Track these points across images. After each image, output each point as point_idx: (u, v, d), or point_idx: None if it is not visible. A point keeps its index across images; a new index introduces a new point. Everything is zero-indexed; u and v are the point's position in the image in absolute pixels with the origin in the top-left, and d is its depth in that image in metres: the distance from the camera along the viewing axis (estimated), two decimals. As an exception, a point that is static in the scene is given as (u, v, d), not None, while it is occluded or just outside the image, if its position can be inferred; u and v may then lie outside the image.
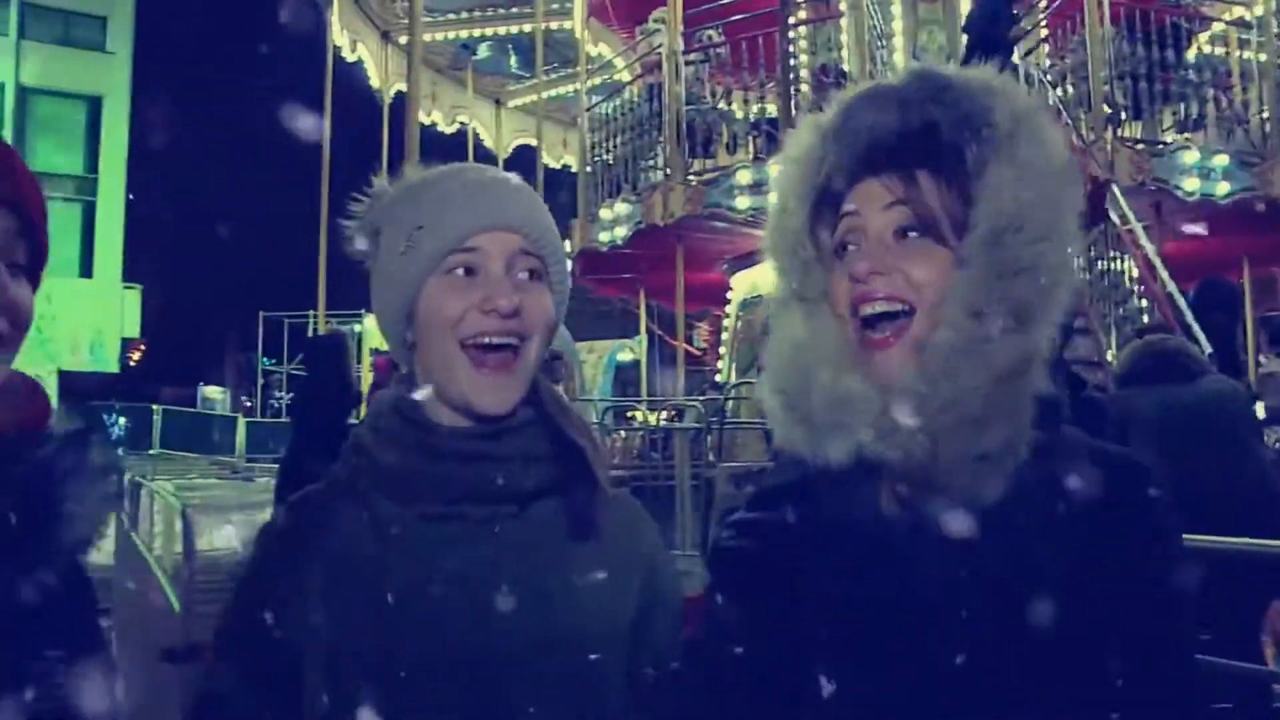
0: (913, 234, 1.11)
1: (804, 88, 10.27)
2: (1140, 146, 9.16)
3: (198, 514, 3.92)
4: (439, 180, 1.34)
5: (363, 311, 26.64)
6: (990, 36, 7.52)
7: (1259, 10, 10.85)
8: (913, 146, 1.13)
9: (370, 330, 25.36)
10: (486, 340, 1.26)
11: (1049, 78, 9.88)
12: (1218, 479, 3.89)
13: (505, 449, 1.29)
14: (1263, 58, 10.29)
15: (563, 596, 1.28)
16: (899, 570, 1.08)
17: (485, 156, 14.89)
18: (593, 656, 1.28)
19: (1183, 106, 9.77)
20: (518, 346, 1.28)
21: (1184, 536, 1.20)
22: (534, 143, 15.77)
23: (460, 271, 1.28)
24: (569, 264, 1.38)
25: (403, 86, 13.18)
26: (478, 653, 1.22)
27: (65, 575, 1.13)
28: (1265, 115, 10.01)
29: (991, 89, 1.13)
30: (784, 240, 1.21)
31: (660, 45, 10.65)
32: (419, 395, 1.31)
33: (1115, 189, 7.89)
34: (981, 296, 1.06)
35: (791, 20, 10.48)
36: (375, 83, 12.94)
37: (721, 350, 12.76)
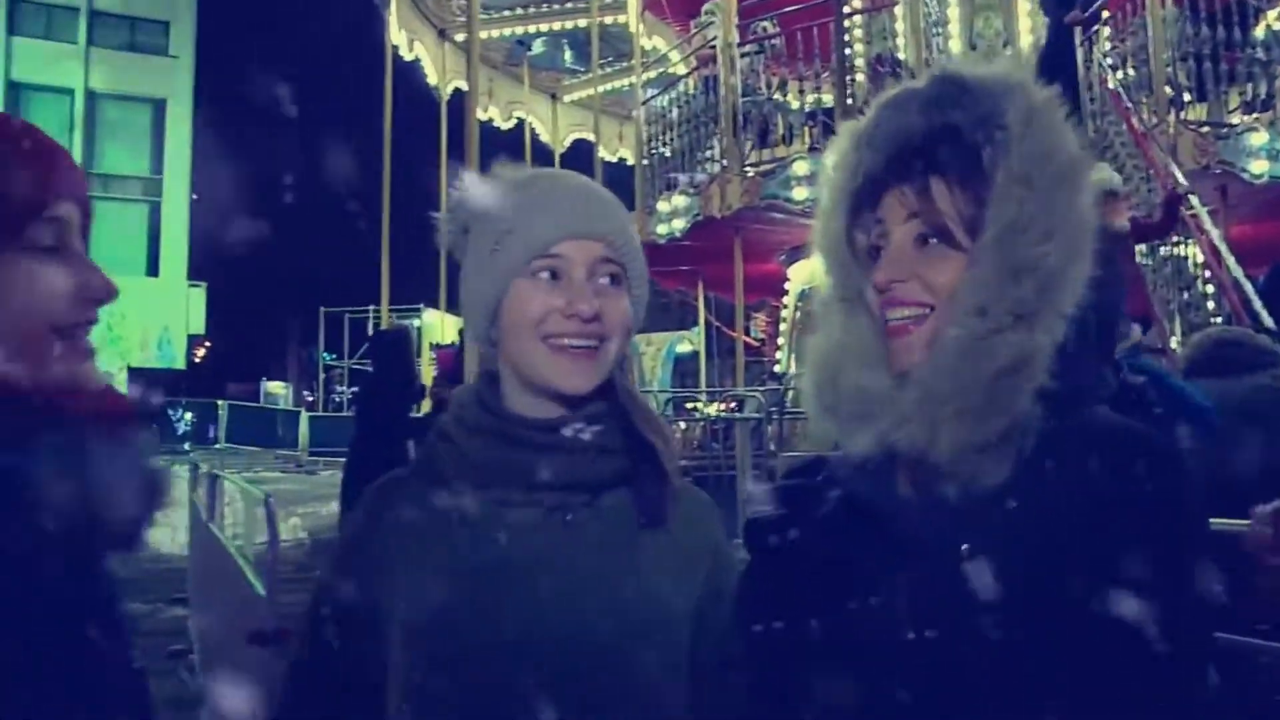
0: (931, 240, 1.15)
1: (859, 77, 10.21)
2: (1205, 129, 8.97)
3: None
4: (529, 186, 1.40)
5: (421, 306, 26.94)
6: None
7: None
8: (933, 152, 1.16)
9: (429, 324, 25.65)
10: (567, 343, 1.34)
11: (1109, 61, 9.75)
12: (1268, 473, 3.85)
13: (581, 440, 1.36)
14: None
15: (629, 583, 1.34)
16: (912, 549, 1.12)
17: (541, 151, 15.00)
18: (655, 641, 1.34)
19: (1250, 87, 9.55)
20: (597, 347, 1.35)
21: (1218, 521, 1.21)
22: (589, 137, 15.87)
23: (545, 275, 1.34)
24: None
25: (459, 84, 13.33)
26: (547, 633, 1.28)
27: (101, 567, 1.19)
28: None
29: (1007, 88, 1.15)
30: (827, 243, 1.27)
31: (715, 38, 10.66)
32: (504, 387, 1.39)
33: (1194, 199, 7.70)
34: (986, 295, 1.10)
35: (846, 9, 10.44)
36: (432, 80, 13.09)
37: (780, 340, 12.75)
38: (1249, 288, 6.86)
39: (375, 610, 1.36)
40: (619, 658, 1.31)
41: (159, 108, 32.53)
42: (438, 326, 24.52)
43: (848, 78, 10.06)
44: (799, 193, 9.71)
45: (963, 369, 1.09)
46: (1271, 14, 10.05)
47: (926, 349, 1.13)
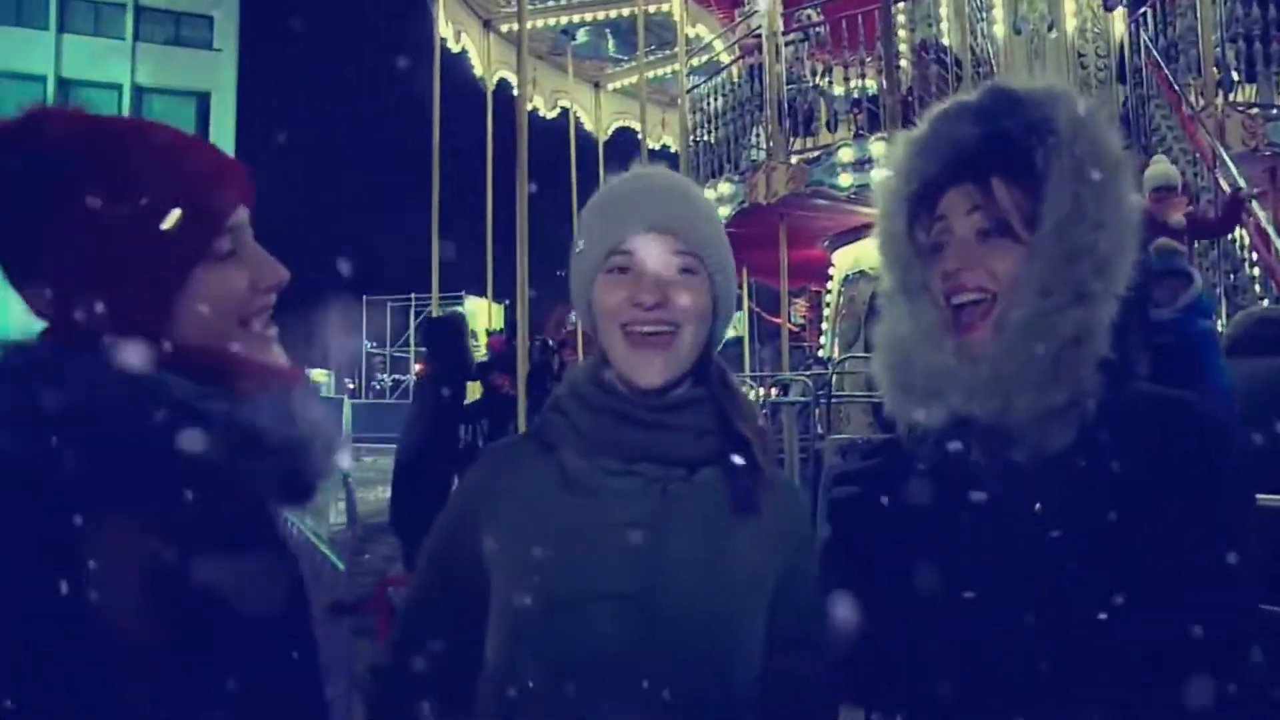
0: (992, 233, 1.30)
1: (903, 64, 10.25)
2: (1254, 111, 8.92)
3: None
4: (609, 188, 1.55)
5: (463, 294, 27.17)
6: None
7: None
8: (990, 155, 1.31)
9: (471, 312, 25.86)
10: (639, 330, 1.46)
11: (1157, 43, 9.72)
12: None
13: (679, 420, 1.48)
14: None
15: (716, 554, 1.45)
16: (989, 506, 1.26)
17: (585, 139, 15.09)
18: (734, 609, 1.45)
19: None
20: (672, 332, 1.47)
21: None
22: (632, 125, 15.95)
23: (617, 270, 1.48)
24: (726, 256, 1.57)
25: (505, 74, 13.47)
26: (636, 591, 1.41)
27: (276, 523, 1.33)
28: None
29: (1055, 98, 1.30)
30: (888, 242, 1.41)
31: (760, 26, 10.73)
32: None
33: (1254, 204, 7.67)
34: (1048, 278, 1.24)
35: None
36: (478, 71, 13.22)
37: (824, 325, 12.82)
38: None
39: (483, 559, 1.49)
40: (700, 620, 1.41)
41: (203, 101, 32.97)
42: (479, 313, 24.72)
43: (886, 63, 10.12)
44: (844, 179, 9.77)
45: (1032, 343, 1.23)
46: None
47: (991, 330, 1.27)
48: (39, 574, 1.08)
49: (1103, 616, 1.17)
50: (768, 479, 1.52)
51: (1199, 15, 8.98)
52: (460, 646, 1.50)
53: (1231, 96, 9.07)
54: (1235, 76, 9.19)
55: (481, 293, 23.39)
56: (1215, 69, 8.94)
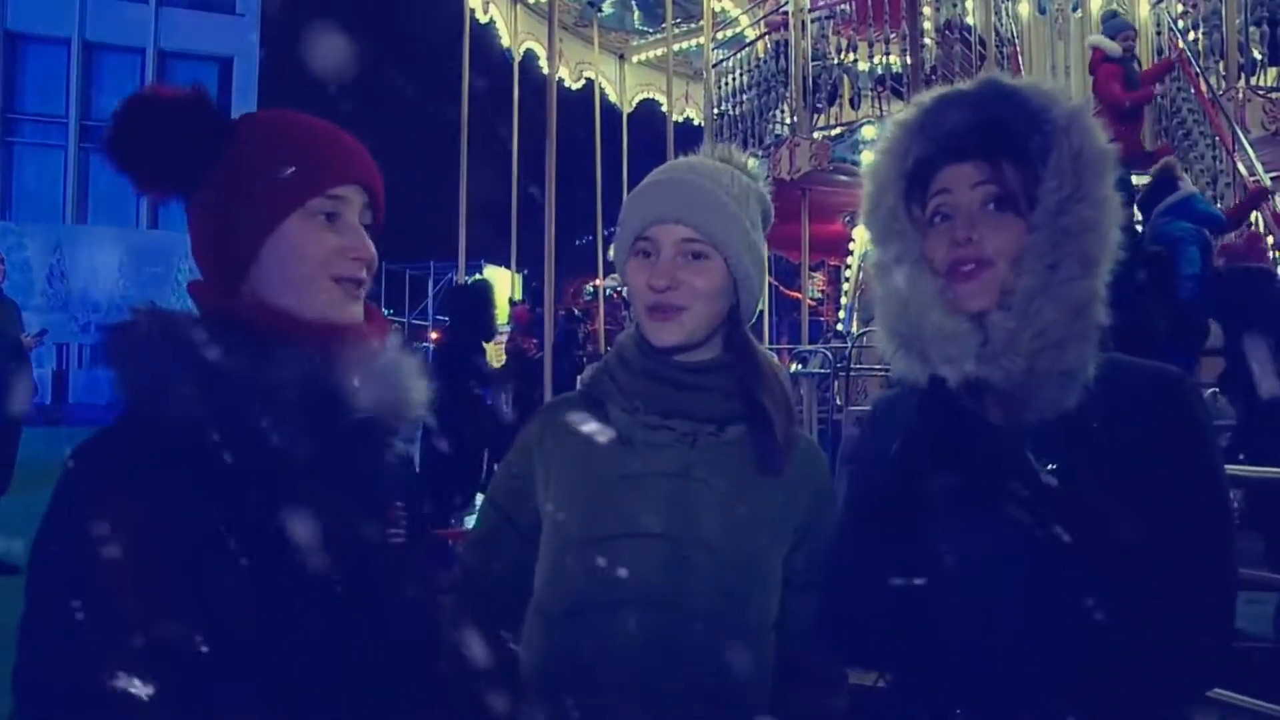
0: (993, 207, 1.44)
1: (928, 42, 10.32)
2: (1275, 95, 8.97)
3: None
4: (647, 180, 1.78)
5: (482, 262, 27.24)
6: None
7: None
8: (989, 137, 1.46)
9: (491, 280, 25.88)
10: (654, 304, 1.69)
11: (1180, 25, 9.77)
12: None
13: (710, 382, 1.71)
14: None
15: (739, 499, 1.67)
16: (1006, 462, 1.34)
17: (610, 111, 15.16)
18: (756, 550, 1.68)
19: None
20: (682, 308, 1.68)
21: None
22: (655, 97, 16.00)
23: (639, 255, 1.73)
24: (741, 240, 1.76)
25: (531, 45, 13.56)
26: (666, 531, 1.63)
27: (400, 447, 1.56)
28: None
29: (1049, 92, 1.47)
30: (883, 216, 1.55)
31: (787, 2, 10.80)
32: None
33: (1276, 198, 7.82)
34: (1055, 253, 1.39)
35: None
36: (505, 42, 13.31)
37: (843, 300, 12.95)
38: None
39: (537, 498, 1.75)
40: (721, 557, 1.63)
41: (225, 66, 32.97)
42: (499, 282, 24.79)
43: (911, 42, 10.17)
44: (868, 156, 9.71)
45: (1044, 311, 1.38)
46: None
47: (995, 295, 1.42)
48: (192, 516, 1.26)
49: (1103, 575, 1.31)
50: (788, 441, 1.72)
51: (1223, -2, 9.02)
52: (518, 573, 1.74)
53: (1253, 80, 9.14)
54: (1258, 57, 9.25)
55: (499, 262, 23.49)
56: (1239, 52, 8.99)
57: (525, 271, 15.93)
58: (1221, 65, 9.10)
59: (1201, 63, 9.15)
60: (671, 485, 1.65)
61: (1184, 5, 9.91)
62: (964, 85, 1.52)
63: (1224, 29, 9.02)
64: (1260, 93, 8.94)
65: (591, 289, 16.91)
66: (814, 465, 1.78)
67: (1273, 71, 9.38)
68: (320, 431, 1.35)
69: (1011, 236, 1.42)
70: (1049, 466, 1.32)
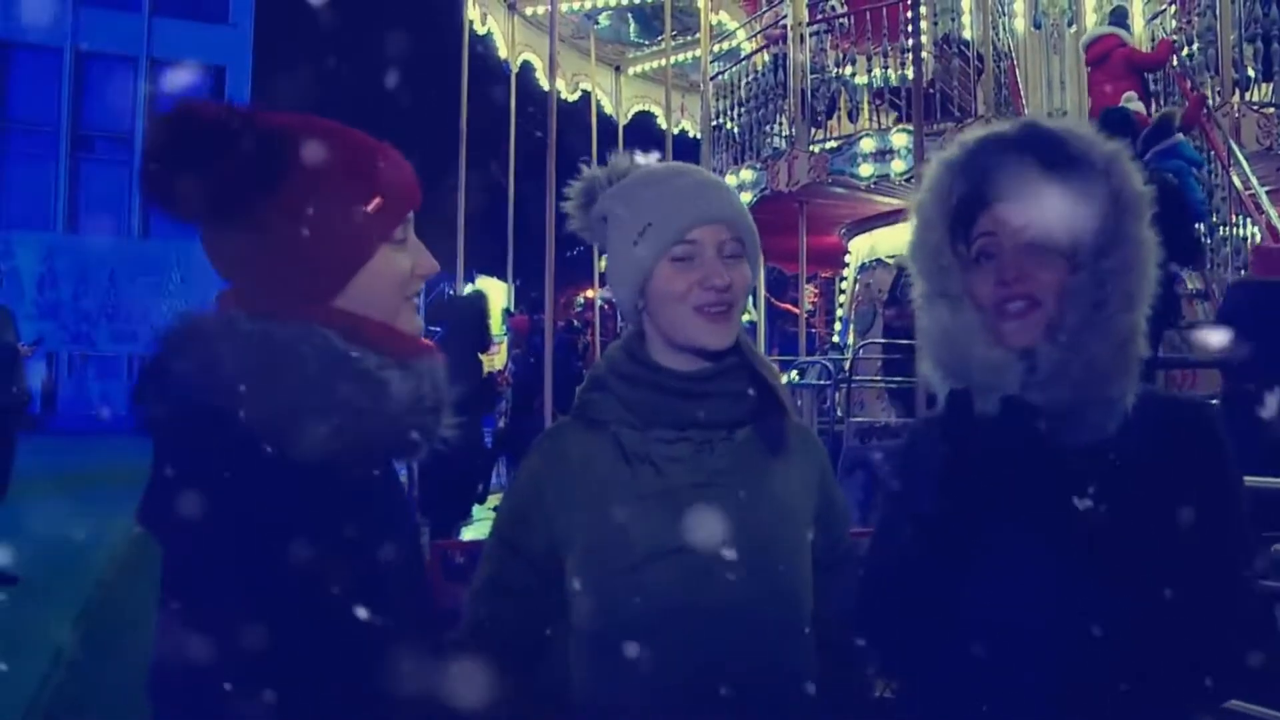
0: (1038, 247, 1.49)
1: (926, 56, 10.39)
2: (1269, 110, 9.07)
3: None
4: (661, 183, 1.75)
5: (475, 273, 27.23)
6: None
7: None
8: (1030, 181, 1.50)
9: (484, 291, 25.85)
10: (709, 309, 1.68)
11: (1175, 40, 9.86)
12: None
13: (719, 387, 1.72)
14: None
15: (765, 498, 1.70)
16: (1050, 484, 1.40)
17: (605, 122, 15.21)
18: (789, 542, 1.71)
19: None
20: (731, 305, 1.70)
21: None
22: (651, 109, 16.07)
23: (684, 258, 1.69)
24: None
25: (529, 57, 13.61)
26: (711, 542, 1.63)
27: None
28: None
29: (1086, 137, 1.52)
30: (926, 252, 1.60)
31: (785, 16, 10.86)
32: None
33: (1255, 181, 8.07)
34: (1099, 291, 1.45)
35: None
36: (502, 53, 13.34)
37: (838, 312, 12.99)
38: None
39: (554, 537, 1.71)
40: (764, 558, 1.66)
41: (218, 76, 32.96)
42: (491, 293, 24.74)
43: (914, 56, 10.26)
44: (865, 169, 9.92)
45: (1093, 344, 1.44)
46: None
47: (1038, 331, 1.47)
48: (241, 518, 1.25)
49: (1137, 594, 1.36)
50: (794, 422, 1.79)
51: (1218, 14, 9.10)
52: (530, 616, 1.73)
53: (1248, 95, 9.22)
54: (1251, 74, 9.35)
55: (492, 272, 23.46)
56: (1233, 68, 9.08)
57: (519, 282, 15.91)
58: (1216, 80, 9.17)
59: (1197, 78, 9.23)
60: (700, 496, 1.66)
61: (1179, 21, 9.99)
62: (1004, 127, 1.58)
63: (1219, 45, 9.10)
64: (1255, 108, 9.02)
65: (583, 300, 16.91)
66: (817, 452, 1.85)
67: (1267, 87, 9.47)
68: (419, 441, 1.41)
69: (1055, 275, 1.48)
70: (1087, 490, 1.37)
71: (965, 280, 1.55)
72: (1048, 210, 1.48)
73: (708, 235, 1.68)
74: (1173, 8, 10.21)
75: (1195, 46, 9.54)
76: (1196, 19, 9.53)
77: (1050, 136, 1.53)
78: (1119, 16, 9.78)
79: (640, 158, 1.86)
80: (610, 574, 1.65)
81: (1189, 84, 9.31)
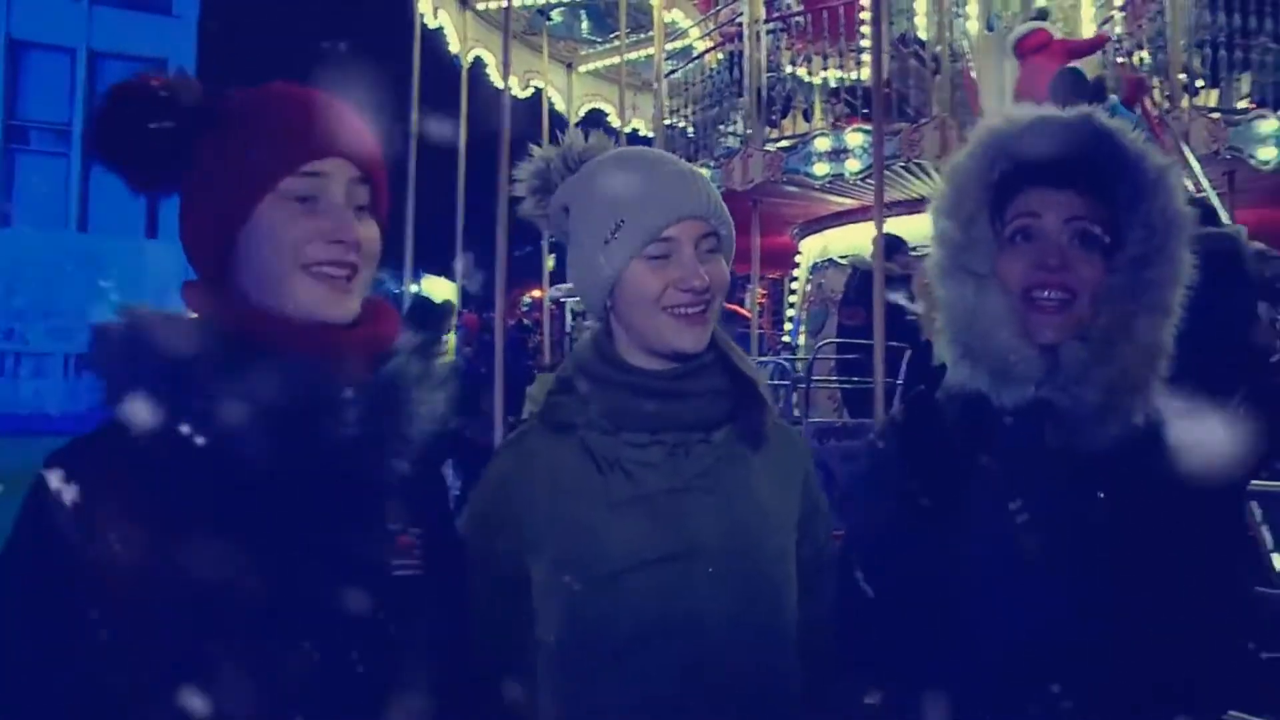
0: (1079, 242, 1.45)
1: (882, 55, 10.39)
2: (1216, 115, 9.21)
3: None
4: (633, 173, 1.61)
5: (421, 271, 26.94)
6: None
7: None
8: (1086, 173, 1.47)
9: (428, 290, 25.58)
10: (685, 310, 1.56)
11: (1125, 44, 9.98)
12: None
13: (696, 386, 1.60)
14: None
15: (747, 504, 1.59)
16: (1065, 484, 1.40)
17: (557, 120, 15.08)
18: (773, 546, 1.60)
19: (1262, 75, 9.78)
20: (709, 304, 1.58)
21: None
22: (603, 106, 15.95)
23: (659, 256, 1.57)
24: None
25: (480, 52, 13.43)
26: (684, 554, 1.53)
27: (417, 468, 1.40)
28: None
29: (1141, 146, 1.49)
30: (957, 222, 1.54)
31: (741, 14, 10.81)
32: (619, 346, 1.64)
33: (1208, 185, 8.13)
34: (1135, 301, 1.43)
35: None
36: (454, 48, 13.15)
37: (789, 312, 12.97)
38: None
39: (523, 551, 1.59)
40: (746, 567, 1.55)
41: (160, 68, 32.24)
42: (438, 292, 24.47)
43: (874, 56, 10.26)
44: (819, 168, 9.89)
45: (1127, 353, 1.41)
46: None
47: (1068, 329, 1.44)
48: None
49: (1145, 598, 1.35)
50: (775, 419, 1.67)
51: (1168, 19, 9.21)
52: (513, 635, 1.60)
53: (1197, 100, 9.33)
54: (1200, 82, 9.47)
55: (438, 271, 23.18)
56: (1183, 73, 9.19)
57: (465, 281, 15.70)
58: (1166, 85, 9.27)
59: (1148, 82, 9.32)
60: (675, 503, 1.55)
61: (1128, 26, 10.10)
62: (1063, 114, 1.53)
63: (1169, 50, 9.20)
64: (1203, 113, 9.12)
65: (530, 300, 16.76)
66: (800, 451, 1.73)
67: (1214, 93, 9.60)
68: (294, 448, 1.23)
69: (1095, 273, 1.45)
70: (1100, 496, 1.39)
71: (996, 259, 1.49)
72: (1093, 207, 1.46)
73: (685, 231, 1.57)
74: (1120, 14, 10.32)
75: (1145, 51, 9.65)
76: (1146, 24, 9.63)
77: (1106, 135, 1.48)
78: (1042, 14, 9.90)
79: (594, 139, 1.73)
80: (582, 587, 1.53)
81: (1126, 66, 9.48)
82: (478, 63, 13.50)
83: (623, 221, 1.56)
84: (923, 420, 1.37)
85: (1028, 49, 9.43)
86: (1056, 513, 1.40)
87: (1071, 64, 8.71)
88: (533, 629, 1.59)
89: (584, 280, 1.64)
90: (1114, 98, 8.17)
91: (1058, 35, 9.57)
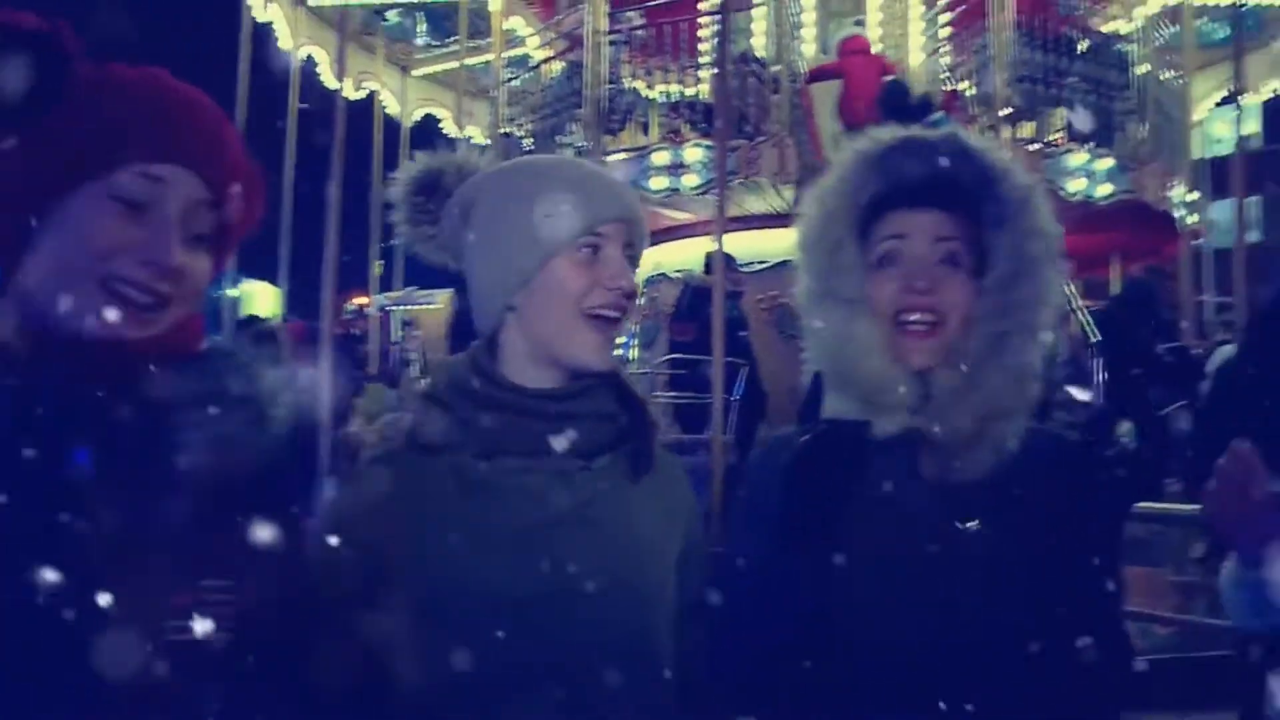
0: (948, 264, 1.43)
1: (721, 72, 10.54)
2: (1033, 147, 9.68)
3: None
4: (561, 169, 1.53)
5: (240, 276, 25.81)
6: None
7: (1136, 24, 11.62)
8: (952, 194, 1.45)
9: (248, 295, 24.60)
10: (607, 314, 1.45)
11: (949, 75, 10.42)
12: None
13: (582, 408, 1.48)
14: (1144, 69, 11.00)
15: (628, 539, 1.47)
16: (939, 515, 1.38)
17: (390, 124, 14.75)
18: (653, 585, 1.48)
19: (1071, 110, 10.37)
20: (623, 314, 1.48)
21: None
22: (437, 112, 15.69)
23: (586, 253, 1.45)
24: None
25: (312, 50, 13.02)
26: (557, 591, 1.39)
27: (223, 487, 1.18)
28: (1143, 123, 10.77)
29: (1007, 165, 1.48)
30: (825, 248, 1.50)
31: (583, 24, 10.77)
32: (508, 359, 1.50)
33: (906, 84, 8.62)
34: (1005, 321, 1.41)
35: (705, 6, 10.75)
36: (284, 44, 12.67)
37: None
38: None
39: (381, 575, 1.40)
40: (622, 608, 1.43)
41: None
42: (258, 298, 23.59)
43: (709, 72, 10.40)
44: (656, 182, 9.92)
45: (995, 378, 1.39)
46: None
47: (939, 353, 1.41)
48: None
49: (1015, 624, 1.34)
50: (662, 450, 1.57)
51: (992, 54, 9.66)
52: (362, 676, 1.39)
53: (1016, 132, 9.82)
54: (1017, 115, 9.97)
55: (259, 275, 22.32)
56: (1004, 106, 9.64)
57: (287, 288, 15.08)
58: (989, 116, 9.70)
59: (970, 111, 9.75)
60: (551, 537, 1.42)
61: (954, 58, 10.55)
62: (929, 134, 1.51)
63: (994, 82, 9.64)
64: (1021, 145, 9.60)
65: (353, 308, 16.22)
66: (683, 484, 1.63)
67: (1030, 126, 10.11)
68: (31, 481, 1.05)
69: (963, 295, 1.43)
70: (971, 523, 1.37)
71: (864, 284, 1.47)
72: (963, 226, 1.44)
73: (615, 232, 1.47)
74: (947, 45, 10.78)
75: (969, 84, 10.10)
76: (971, 56, 10.08)
77: (973, 155, 1.46)
78: (859, 23, 10.43)
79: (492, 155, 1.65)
80: (444, 626, 1.38)
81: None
82: (309, 61, 13.09)
83: (552, 214, 1.45)
84: (802, 451, 1.32)
85: (848, 50, 9.79)
86: (930, 545, 1.37)
87: (893, 77, 9.06)
88: (385, 669, 1.40)
89: (490, 279, 1.51)
90: (941, 113, 8.48)
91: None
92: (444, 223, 1.57)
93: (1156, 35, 11.70)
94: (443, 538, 1.40)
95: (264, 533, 1.17)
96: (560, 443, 1.45)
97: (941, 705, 1.32)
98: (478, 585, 1.38)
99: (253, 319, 9.05)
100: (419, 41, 15.05)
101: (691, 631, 1.52)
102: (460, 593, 1.38)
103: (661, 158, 9.96)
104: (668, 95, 10.83)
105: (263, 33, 12.44)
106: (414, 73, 15.30)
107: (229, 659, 1.15)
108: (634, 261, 1.52)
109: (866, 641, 1.36)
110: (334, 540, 1.47)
